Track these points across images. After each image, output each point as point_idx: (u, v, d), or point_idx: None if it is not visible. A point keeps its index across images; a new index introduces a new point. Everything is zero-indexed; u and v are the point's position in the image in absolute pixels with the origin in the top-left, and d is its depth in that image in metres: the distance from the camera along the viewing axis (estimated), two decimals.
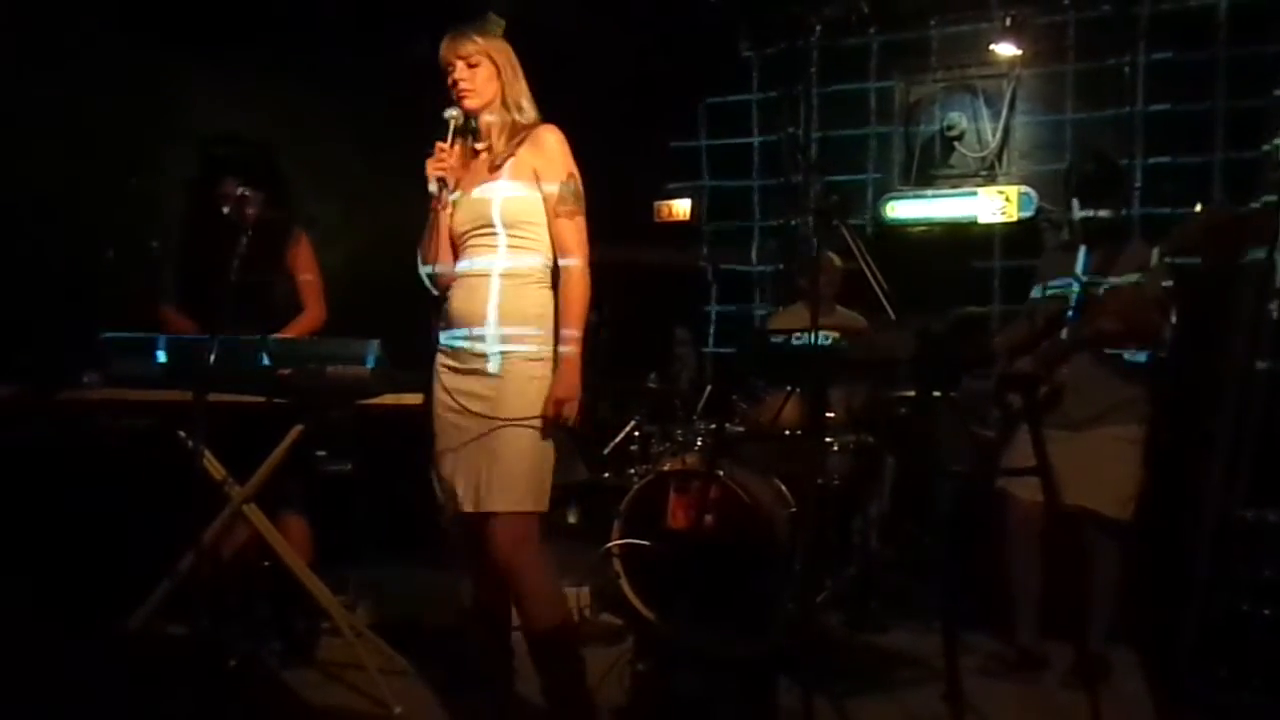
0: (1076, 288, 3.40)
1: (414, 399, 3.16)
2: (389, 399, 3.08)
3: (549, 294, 2.61)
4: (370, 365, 3.01)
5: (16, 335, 3.28)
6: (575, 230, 2.59)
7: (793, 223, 5.67)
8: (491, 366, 2.53)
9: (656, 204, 6.06)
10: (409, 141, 2.78)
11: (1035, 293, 3.63)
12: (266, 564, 3.33)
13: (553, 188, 2.57)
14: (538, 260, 2.59)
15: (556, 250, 2.60)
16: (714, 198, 6.04)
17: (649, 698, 3.12)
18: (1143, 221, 4.91)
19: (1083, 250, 3.48)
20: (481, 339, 2.54)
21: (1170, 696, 3.20)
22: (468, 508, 2.53)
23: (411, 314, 3.18)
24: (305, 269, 3.67)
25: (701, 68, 5.87)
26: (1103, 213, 3.46)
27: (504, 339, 2.53)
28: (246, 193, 3.50)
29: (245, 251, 3.48)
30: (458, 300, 2.60)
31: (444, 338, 2.64)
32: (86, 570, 3.31)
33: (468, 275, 2.59)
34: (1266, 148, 4.17)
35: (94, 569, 3.31)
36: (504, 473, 2.50)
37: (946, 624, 2.97)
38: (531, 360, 2.55)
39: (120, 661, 3.05)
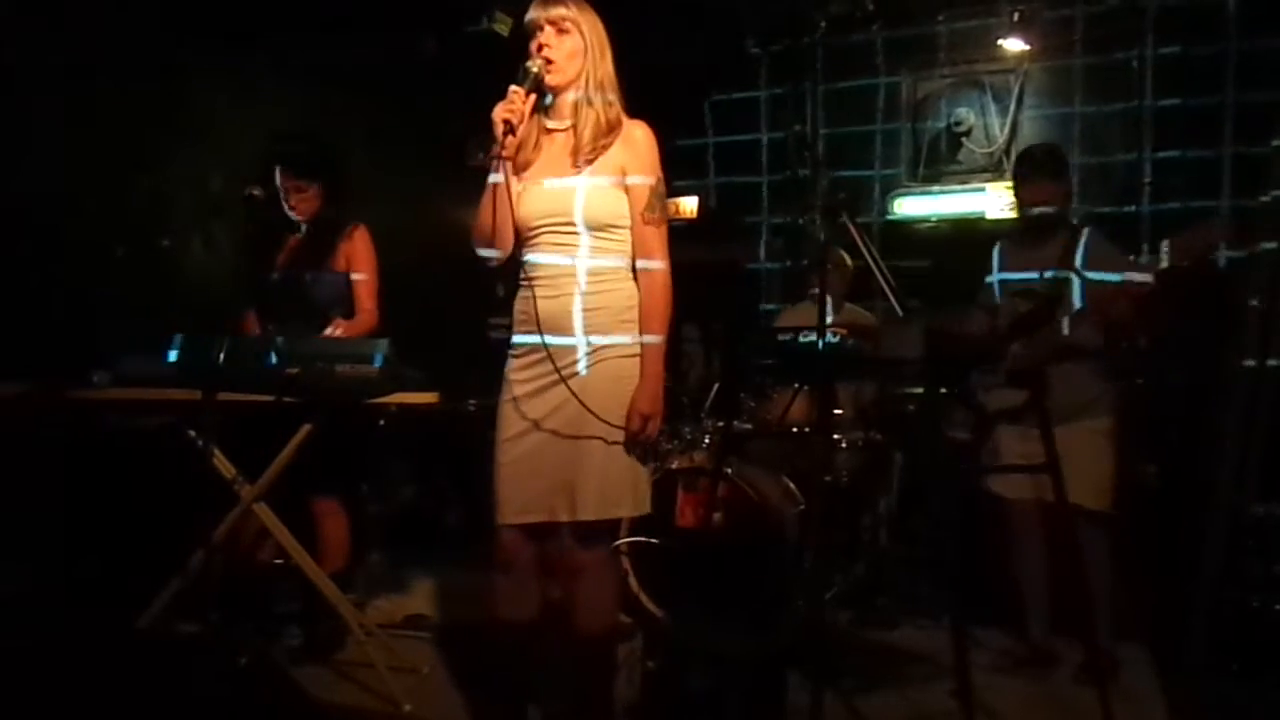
0: (1043, 279, 3.40)
1: (424, 398, 3.17)
2: (398, 398, 3.09)
3: (635, 294, 2.49)
4: (379, 364, 3.01)
5: (26, 334, 3.28)
6: (659, 236, 2.48)
7: (800, 220, 5.66)
8: (582, 368, 2.42)
9: None
10: (425, 142, 2.76)
11: (993, 284, 3.62)
12: (279, 561, 3.35)
13: (641, 188, 2.45)
14: (623, 261, 2.48)
15: (638, 253, 2.48)
16: (721, 195, 6.04)
17: (659, 696, 3.11)
18: (1152, 217, 4.90)
19: (1027, 243, 3.52)
20: (572, 341, 2.42)
21: (1182, 691, 3.20)
22: (580, 514, 2.41)
23: (448, 312, 3.14)
24: (361, 267, 3.61)
25: (708, 64, 5.86)
26: (1048, 208, 3.47)
27: (596, 342, 2.43)
28: (301, 185, 3.52)
29: (297, 247, 3.53)
30: (542, 296, 2.44)
31: (524, 338, 2.49)
32: (96, 568, 3.31)
33: (550, 270, 2.45)
34: (1276, 142, 4.17)
35: (104, 567, 3.32)
36: (621, 477, 2.43)
37: (956, 621, 2.96)
38: (625, 358, 2.46)
39: (129, 659, 3.06)
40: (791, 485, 3.89)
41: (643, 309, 2.47)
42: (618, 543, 3.89)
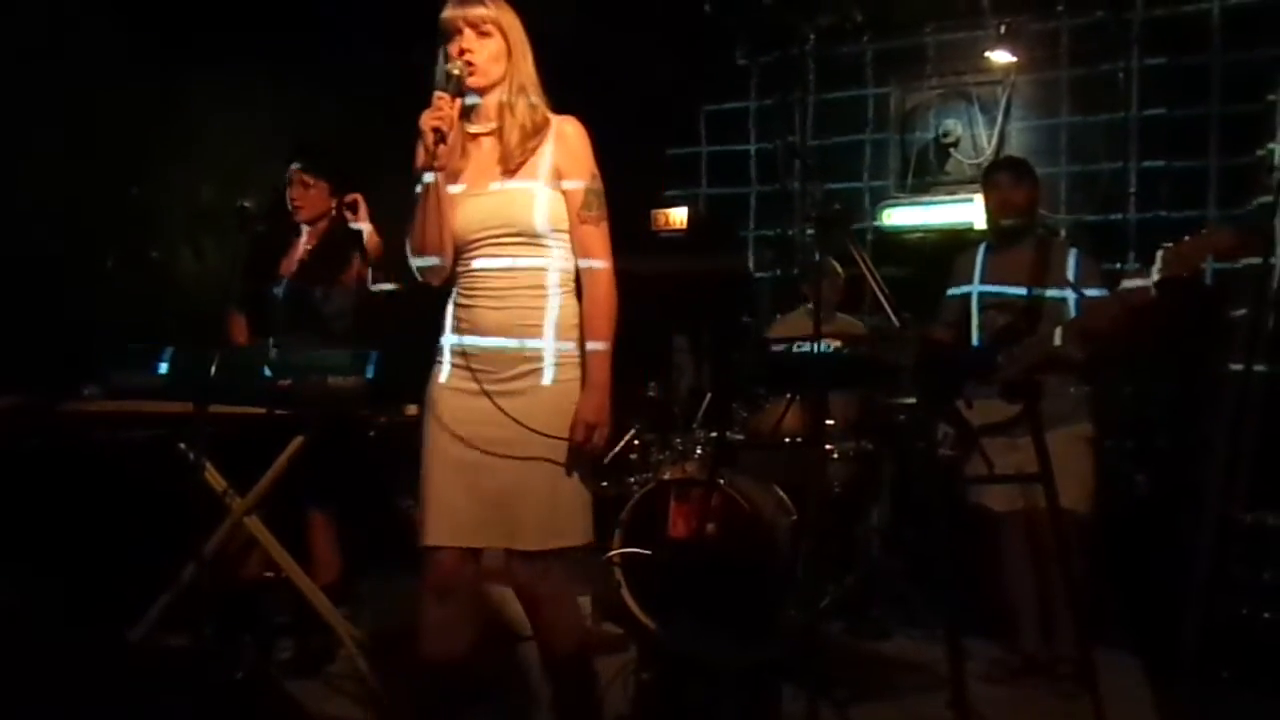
0: (1021, 293, 3.43)
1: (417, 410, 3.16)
2: (392, 410, 3.08)
3: (576, 303, 2.38)
4: (371, 376, 3.01)
5: (17, 346, 3.26)
6: (601, 237, 2.37)
7: (791, 230, 5.68)
8: (536, 382, 2.30)
9: (654, 212, 6.06)
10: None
11: (968, 295, 3.64)
12: (269, 574, 3.33)
13: (577, 189, 2.35)
14: (567, 266, 2.38)
15: (579, 254, 2.37)
16: (711, 205, 6.05)
17: (653, 707, 3.10)
18: (1138, 226, 4.94)
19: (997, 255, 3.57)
20: (522, 351, 2.30)
21: (1173, 699, 3.21)
22: (522, 544, 2.29)
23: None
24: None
25: (698, 75, 5.88)
26: (1016, 217, 3.53)
27: (541, 352, 2.31)
28: (308, 181, 3.51)
29: (306, 255, 3.52)
30: (486, 304, 2.32)
31: (464, 345, 2.34)
32: (87, 582, 3.29)
33: (493, 276, 2.32)
34: (1260, 152, 4.20)
35: (95, 580, 3.30)
36: (569, 503, 2.31)
37: (950, 631, 2.96)
38: (574, 368, 2.35)
39: (120, 673, 3.04)
40: (784, 496, 3.89)
41: (586, 313, 2.36)
42: (611, 553, 3.89)
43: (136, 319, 3.63)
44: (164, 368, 3.08)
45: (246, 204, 3.21)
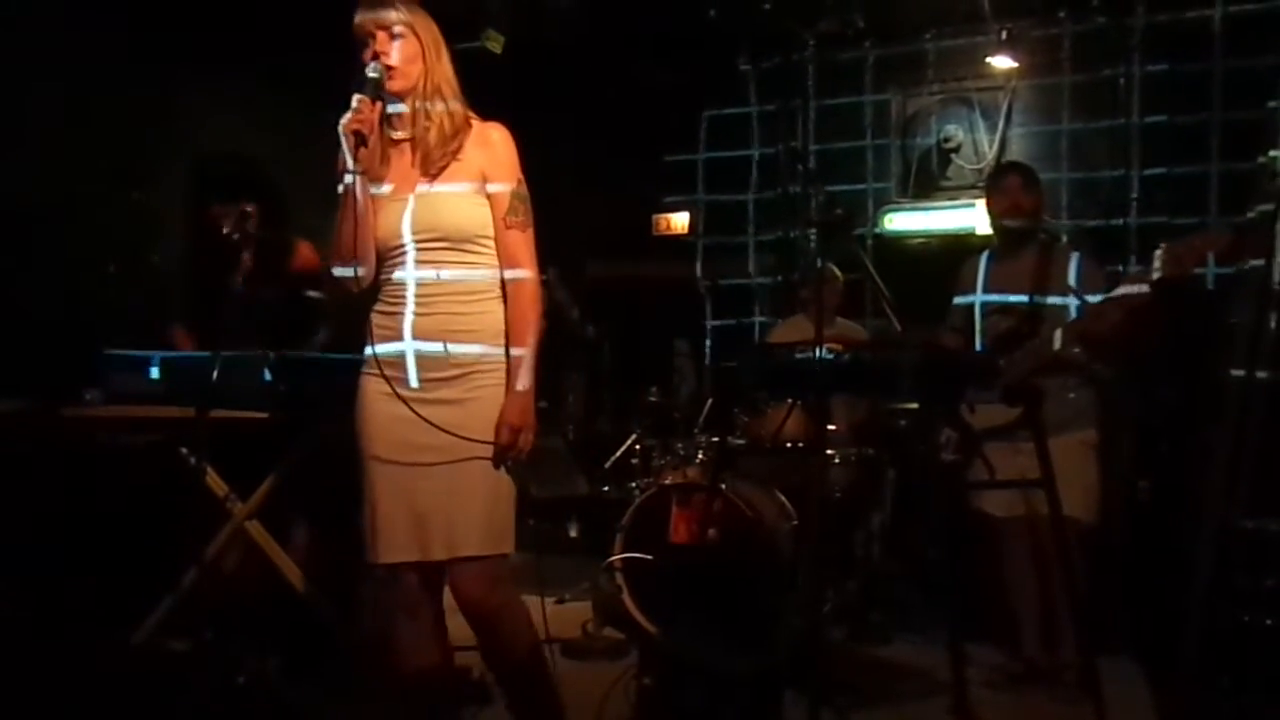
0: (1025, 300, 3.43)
1: None
2: None
3: (502, 309, 2.35)
4: None
5: (18, 351, 3.27)
6: (526, 243, 2.33)
7: (791, 235, 5.69)
8: (460, 391, 2.27)
9: (654, 217, 6.08)
10: None
11: (972, 303, 3.64)
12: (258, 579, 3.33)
13: (502, 193, 2.31)
14: (493, 273, 2.34)
15: (504, 262, 2.33)
16: (711, 210, 6.06)
17: (654, 712, 3.10)
18: (1139, 232, 4.95)
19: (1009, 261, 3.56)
20: (449, 358, 2.27)
21: (1173, 705, 3.20)
22: (460, 550, 2.25)
23: None
24: (312, 284, 3.61)
25: (699, 81, 5.89)
26: (1020, 220, 3.53)
27: (466, 359, 2.28)
28: (247, 209, 3.49)
29: (243, 267, 3.49)
30: (410, 311, 2.28)
31: (389, 353, 2.29)
32: (89, 586, 3.29)
33: (418, 285, 2.28)
34: (1262, 159, 4.18)
35: (97, 585, 3.30)
36: (485, 509, 2.27)
37: (953, 637, 2.96)
38: (499, 385, 2.30)
39: (122, 677, 3.04)
40: (785, 501, 3.89)
41: (510, 319, 2.32)
42: (610, 559, 3.89)
43: (141, 326, 3.62)
44: (155, 373, 3.09)
45: (249, 208, 3.22)
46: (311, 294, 3.63)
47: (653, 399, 4.65)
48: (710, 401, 4.45)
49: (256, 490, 3.20)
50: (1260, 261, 3.51)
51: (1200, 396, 4.07)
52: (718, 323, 5.98)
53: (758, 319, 5.92)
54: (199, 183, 3.58)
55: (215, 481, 3.14)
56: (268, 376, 3.02)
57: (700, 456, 4.13)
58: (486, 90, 2.53)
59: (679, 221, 5.72)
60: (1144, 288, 2.93)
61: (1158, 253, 2.93)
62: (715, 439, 4.12)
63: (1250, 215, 4.33)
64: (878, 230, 5.54)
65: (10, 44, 3.54)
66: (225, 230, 3.48)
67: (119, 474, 3.36)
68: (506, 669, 2.43)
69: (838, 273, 4.47)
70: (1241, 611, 3.35)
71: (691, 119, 6.06)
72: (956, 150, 5.40)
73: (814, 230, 5.45)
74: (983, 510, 3.46)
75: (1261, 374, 3.44)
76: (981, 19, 5.20)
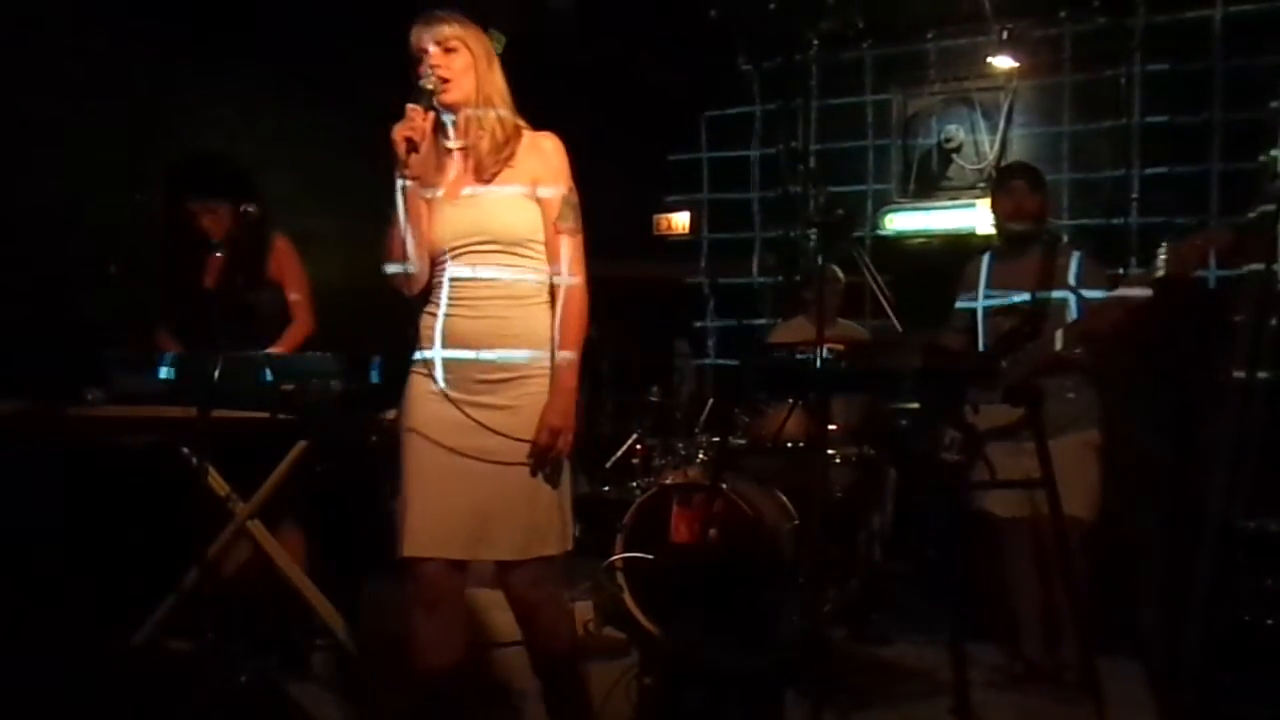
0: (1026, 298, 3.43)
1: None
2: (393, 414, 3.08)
3: (549, 314, 2.42)
4: (374, 380, 3.01)
5: (20, 351, 3.27)
6: (576, 248, 2.41)
7: (792, 235, 5.69)
8: (509, 398, 2.34)
9: (656, 217, 6.08)
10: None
11: (972, 304, 3.64)
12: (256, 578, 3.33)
13: (553, 199, 2.39)
14: (542, 277, 2.41)
15: (552, 265, 2.41)
16: (713, 210, 6.06)
17: (655, 712, 3.11)
18: (1141, 232, 4.94)
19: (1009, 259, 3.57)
20: (498, 363, 2.34)
21: (1175, 706, 3.20)
22: (511, 555, 2.33)
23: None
24: (290, 281, 3.59)
25: (701, 81, 5.89)
26: (1026, 222, 3.53)
27: (517, 363, 2.35)
28: (214, 207, 3.46)
29: (222, 266, 3.48)
30: (461, 314, 2.36)
31: (441, 357, 2.37)
32: (91, 585, 3.30)
33: (469, 286, 2.36)
34: (1263, 159, 4.18)
35: (97, 585, 3.30)
36: (548, 510, 2.35)
37: (954, 637, 2.96)
38: (545, 391, 2.37)
39: (123, 677, 3.05)
40: (786, 501, 3.89)
41: (559, 324, 2.39)
42: (611, 559, 3.89)
43: (134, 330, 3.62)
44: (164, 372, 3.09)
45: (250, 208, 3.21)
46: (294, 297, 3.58)
47: (653, 399, 4.66)
48: (711, 401, 4.45)
49: (257, 490, 3.21)
50: (1260, 266, 3.51)
51: (1201, 396, 4.06)
52: (719, 323, 5.99)
53: (760, 321, 5.92)
54: (172, 182, 3.53)
55: (217, 481, 3.14)
56: (268, 376, 3.02)
57: (701, 456, 4.13)
58: None
59: (679, 221, 5.72)
60: (1144, 289, 2.94)
61: (1161, 251, 2.93)
62: (716, 439, 4.12)
63: (1251, 216, 4.33)
64: (878, 230, 5.53)
65: (10, 44, 3.54)
66: (224, 231, 3.48)
67: (120, 474, 3.36)
68: (543, 665, 2.51)
69: (839, 273, 4.47)
70: (1242, 611, 3.35)
71: (693, 119, 6.06)
72: (957, 150, 5.39)
73: (814, 230, 5.47)
74: (986, 510, 3.46)
75: (1262, 374, 3.45)
76: (982, 19, 5.19)
